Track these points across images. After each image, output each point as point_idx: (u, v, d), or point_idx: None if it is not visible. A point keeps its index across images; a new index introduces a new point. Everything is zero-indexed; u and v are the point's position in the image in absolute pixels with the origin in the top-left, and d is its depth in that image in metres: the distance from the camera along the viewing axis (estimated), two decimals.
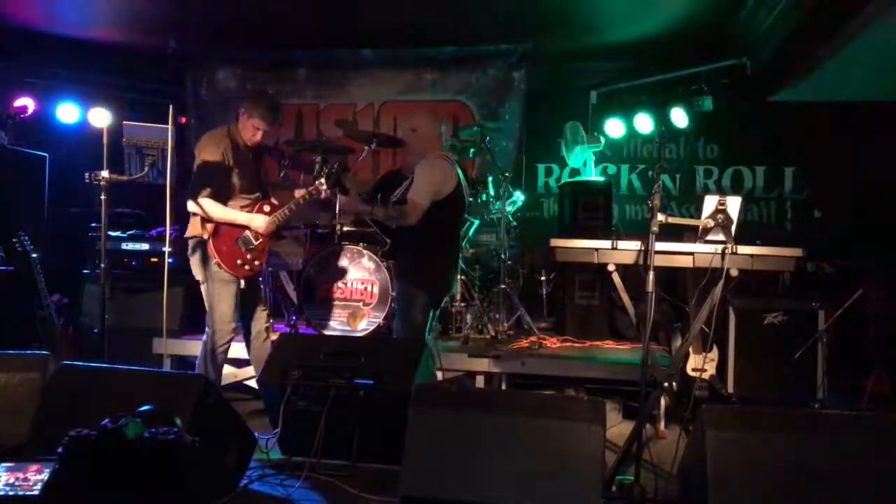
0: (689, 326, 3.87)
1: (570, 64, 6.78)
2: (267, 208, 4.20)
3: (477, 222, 5.51)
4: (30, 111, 6.10)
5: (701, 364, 4.45)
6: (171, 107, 4.22)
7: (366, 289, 4.99)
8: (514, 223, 5.93)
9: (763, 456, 2.73)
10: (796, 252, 3.46)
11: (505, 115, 6.66)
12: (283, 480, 3.33)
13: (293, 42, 6.66)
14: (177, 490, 2.52)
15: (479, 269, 5.84)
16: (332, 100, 6.98)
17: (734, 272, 3.39)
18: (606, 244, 3.48)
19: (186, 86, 7.01)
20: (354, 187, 4.79)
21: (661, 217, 3.26)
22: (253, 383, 4.66)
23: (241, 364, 4.82)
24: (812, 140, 6.58)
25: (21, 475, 2.71)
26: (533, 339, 5.29)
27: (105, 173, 3.86)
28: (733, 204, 3.39)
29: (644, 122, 6.40)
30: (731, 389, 4.66)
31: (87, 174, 3.88)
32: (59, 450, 2.49)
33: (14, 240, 4.75)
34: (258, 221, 4.12)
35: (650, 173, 6.86)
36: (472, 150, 5.80)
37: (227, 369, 4.56)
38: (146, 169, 4.09)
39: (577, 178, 6.59)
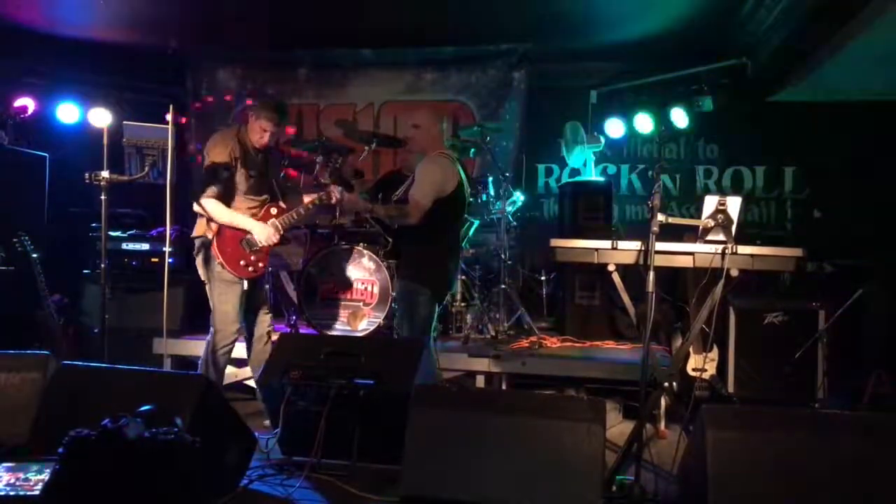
0: (690, 326, 3.88)
1: (570, 64, 6.78)
2: (274, 211, 4.20)
3: (477, 222, 5.52)
4: (30, 111, 6.09)
5: (701, 364, 4.46)
6: (171, 107, 4.23)
7: (366, 289, 5.00)
8: (514, 223, 5.93)
9: (763, 456, 2.73)
10: (796, 252, 3.46)
11: (505, 115, 6.66)
12: (284, 480, 3.33)
13: (293, 42, 6.66)
14: (177, 490, 2.52)
15: (479, 269, 5.85)
16: (333, 100, 6.99)
17: (734, 272, 3.39)
18: (606, 244, 3.48)
19: (186, 86, 7.01)
20: (358, 186, 4.79)
21: (661, 217, 3.26)
22: (253, 383, 4.66)
23: (241, 364, 4.82)
24: (812, 140, 6.57)
25: (21, 475, 2.72)
26: (533, 339, 5.29)
27: (105, 173, 3.86)
28: (733, 204, 3.40)
29: (644, 122, 6.39)
30: (731, 389, 4.67)
31: (87, 174, 3.88)
32: (60, 450, 2.49)
33: (14, 240, 4.74)
34: (262, 231, 4.11)
35: (650, 173, 6.85)
36: (472, 149, 5.80)
37: (228, 369, 4.56)
38: (146, 169, 4.08)
39: (577, 178, 6.59)
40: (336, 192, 4.15)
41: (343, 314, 5.01)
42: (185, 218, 5.72)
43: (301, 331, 5.11)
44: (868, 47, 5.00)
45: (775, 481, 2.70)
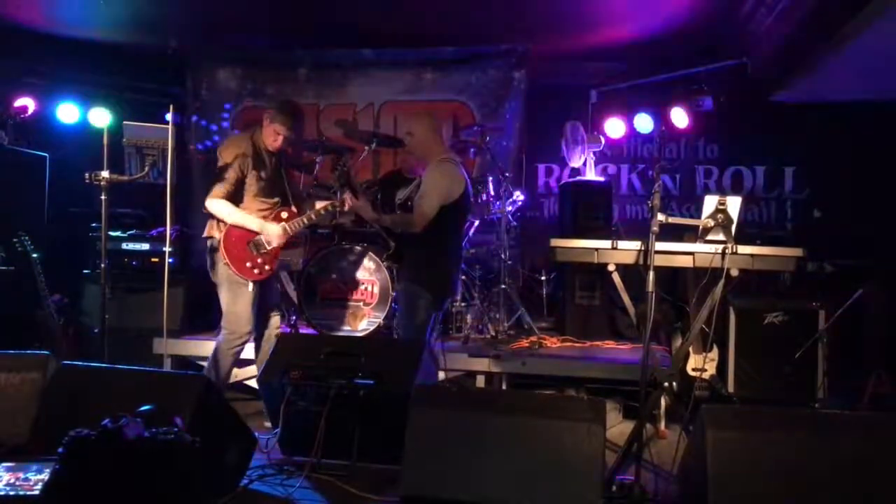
0: (690, 326, 3.88)
1: (570, 64, 6.78)
2: (284, 215, 4.21)
3: (477, 222, 5.51)
4: (30, 111, 6.09)
5: (701, 364, 4.45)
6: (171, 107, 4.23)
7: (366, 289, 5.00)
8: (514, 223, 5.93)
9: (763, 456, 2.73)
10: (796, 252, 3.46)
11: (505, 114, 6.65)
12: (284, 480, 3.33)
13: (293, 42, 6.66)
14: (177, 490, 2.52)
15: (479, 269, 5.84)
16: (333, 100, 6.97)
17: (734, 272, 3.39)
18: (606, 244, 3.49)
19: (186, 86, 7.01)
20: (361, 192, 4.80)
21: (661, 217, 3.26)
22: (253, 383, 4.66)
23: (241, 364, 4.81)
24: (812, 140, 6.58)
25: (21, 475, 2.72)
26: (533, 338, 5.29)
27: (105, 173, 3.87)
28: (733, 204, 3.40)
29: (644, 122, 6.40)
30: (731, 389, 4.67)
31: (87, 174, 3.88)
32: (60, 450, 2.49)
33: (14, 240, 4.74)
34: (270, 230, 4.12)
35: (650, 173, 6.85)
36: (472, 149, 5.80)
37: None
38: (146, 169, 4.08)
39: (577, 178, 6.59)
40: (349, 200, 4.17)
41: (343, 314, 5.01)
42: (186, 218, 5.74)
43: (301, 331, 5.11)
44: (868, 47, 5.00)
45: (775, 481, 2.70)
